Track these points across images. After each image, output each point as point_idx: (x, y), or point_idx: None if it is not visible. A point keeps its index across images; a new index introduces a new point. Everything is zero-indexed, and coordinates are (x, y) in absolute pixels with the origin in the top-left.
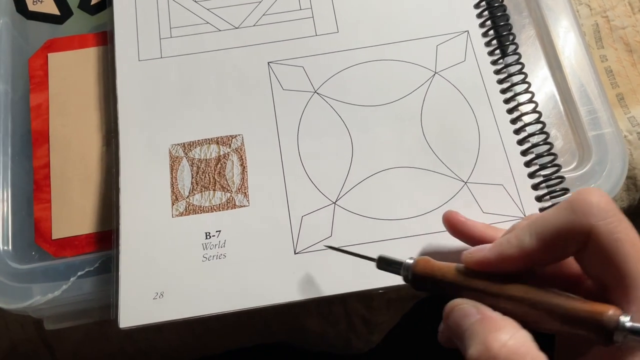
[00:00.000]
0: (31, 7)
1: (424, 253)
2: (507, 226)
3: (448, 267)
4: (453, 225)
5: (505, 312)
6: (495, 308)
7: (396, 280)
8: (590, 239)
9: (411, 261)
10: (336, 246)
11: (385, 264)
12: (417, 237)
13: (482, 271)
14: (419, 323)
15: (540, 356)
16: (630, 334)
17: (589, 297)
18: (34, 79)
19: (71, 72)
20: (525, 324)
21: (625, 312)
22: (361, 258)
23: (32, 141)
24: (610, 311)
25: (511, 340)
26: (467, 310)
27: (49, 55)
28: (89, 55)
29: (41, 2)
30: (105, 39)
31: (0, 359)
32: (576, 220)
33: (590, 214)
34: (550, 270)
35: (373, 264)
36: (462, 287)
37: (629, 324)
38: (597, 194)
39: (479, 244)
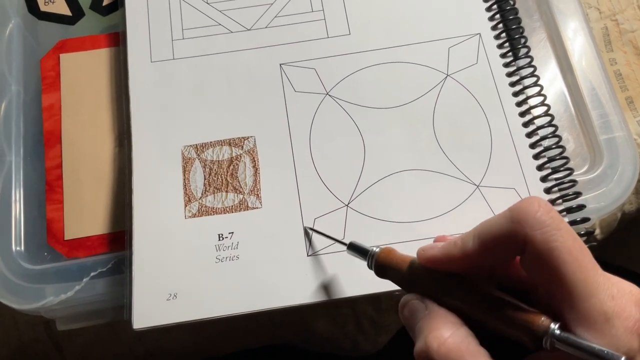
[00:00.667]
0: (43, 7)
1: None
2: None
3: (405, 260)
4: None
5: (453, 310)
6: (441, 304)
7: None
8: (527, 247)
9: (376, 250)
10: (315, 228)
11: (354, 250)
12: (429, 241)
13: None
14: None
15: (479, 351)
16: (557, 342)
17: (541, 302)
18: (46, 80)
19: (83, 73)
20: (471, 322)
21: (564, 318)
22: (335, 241)
23: (44, 142)
24: (542, 318)
25: (451, 337)
26: (417, 306)
27: (61, 55)
28: (101, 56)
29: (53, 2)
30: (116, 40)
31: (10, 359)
32: (513, 228)
33: (527, 223)
34: (513, 273)
35: None
36: (413, 281)
37: (557, 332)
38: (535, 204)
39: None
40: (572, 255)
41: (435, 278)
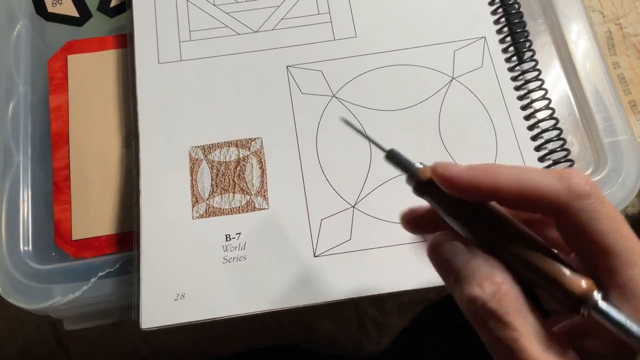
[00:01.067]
0: (50, 8)
1: None
2: None
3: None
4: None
5: (494, 254)
6: (482, 242)
7: (415, 283)
8: (570, 215)
9: (420, 166)
10: (351, 123)
11: (394, 160)
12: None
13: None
14: (428, 327)
15: (525, 301)
16: (596, 313)
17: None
18: (53, 81)
19: (91, 74)
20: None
21: (603, 283)
22: (373, 144)
23: (52, 143)
24: (587, 282)
25: (504, 284)
26: (457, 248)
27: (69, 57)
28: (109, 58)
29: (60, 4)
30: (124, 42)
31: (16, 358)
32: (561, 192)
33: (575, 191)
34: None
35: (388, 268)
36: (460, 209)
37: (600, 303)
38: (581, 176)
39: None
40: (617, 225)
41: (486, 214)
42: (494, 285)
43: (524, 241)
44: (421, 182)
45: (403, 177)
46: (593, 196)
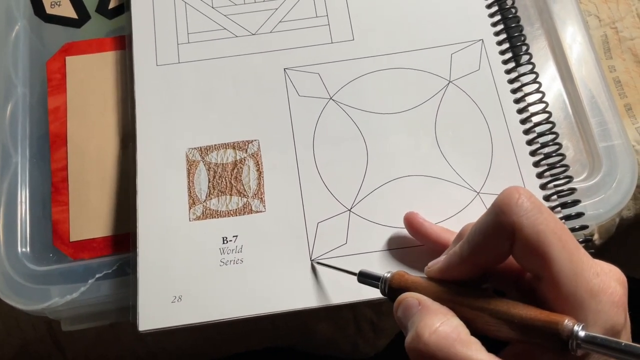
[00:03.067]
0: (49, 10)
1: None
2: None
3: (418, 280)
4: (412, 225)
5: (466, 321)
6: (458, 316)
7: None
8: (516, 234)
9: (388, 275)
10: (322, 262)
11: (365, 277)
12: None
13: (445, 280)
14: None
15: (470, 341)
16: (583, 343)
17: (529, 290)
18: (52, 82)
19: (89, 75)
20: (484, 331)
21: (551, 299)
22: (345, 273)
23: (50, 144)
24: (565, 321)
25: (442, 326)
26: (410, 302)
27: (67, 58)
28: (107, 59)
29: (59, 5)
30: (122, 44)
31: (12, 358)
32: (499, 220)
33: (511, 211)
34: (501, 270)
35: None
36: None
37: (582, 333)
38: (515, 193)
39: (434, 246)
40: (557, 236)
41: (455, 292)
42: (430, 328)
43: (495, 302)
44: (392, 289)
45: (398, 182)
46: (530, 209)
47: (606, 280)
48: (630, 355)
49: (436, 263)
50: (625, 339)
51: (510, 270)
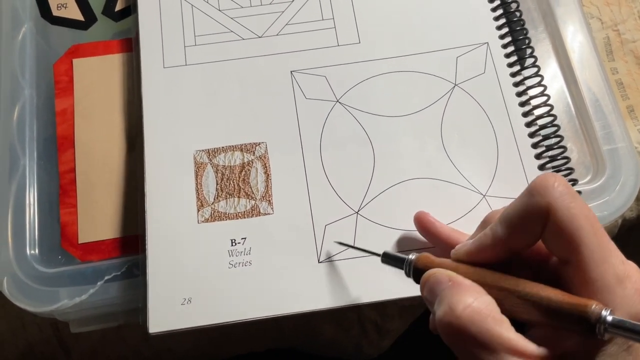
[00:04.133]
0: (55, 12)
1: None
2: None
3: (445, 261)
4: (423, 225)
5: (496, 301)
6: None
7: (418, 290)
8: (549, 217)
9: (413, 257)
10: (344, 242)
11: (390, 259)
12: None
13: (472, 264)
14: (428, 331)
15: (502, 319)
16: (610, 327)
17: (551, 278)
18: (59, 84)
19: (96, 77)
20: (511, 313)
21: (579, 284)
22: (367, 253)
23: (58, 146)
24: (593, 305)
25: (475, 302)
26: (440, 277)
27: (74, 60)
28: (114, 62)
29: (65, 7)
30: (129, 46)
31: None
32: (535, 201)
33: (547, 193)
34: (526, 257)
35: (392, 274)
36: None
37: (609, 318)
38: (552, 177)
39: (444, 246)
40: (589, 221)
41: (483, 273)
42: (464, 303)
43: (526, 286)
44: (417, 270)
45: (404, 185)
46: (566, 193)
47: (630, 268)
48: None
49: (464, 246)
50: None
51: (533, 259)
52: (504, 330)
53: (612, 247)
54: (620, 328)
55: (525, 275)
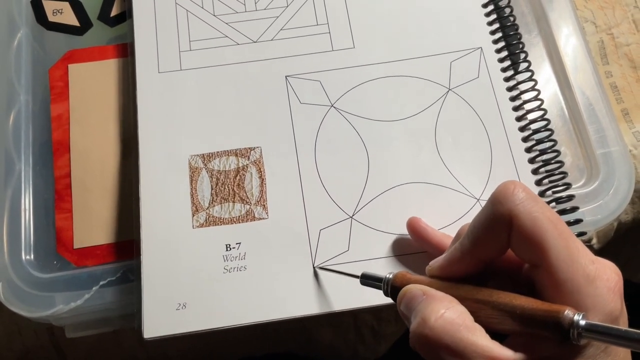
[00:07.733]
0: (51, 17)
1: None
2: None
3: (421, 278)
4: (415, 231)
5: (471, 314)
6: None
7: None
8: (513, 223)
9: (390, 275)
10: (325, 267)
11: (368, 279)
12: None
13: (447, 278)
14: None
15: (474, 327)
16: (585, 332)
17: (526, 285)
18: (54, 90)
19: (91, 83)
20: (487, 324)
21: (548, 287)
22: (348, 276)
23: (53, 151)
24: (566, 311)
25: (447, 312)
26: (415, 292)
27: (69, 66)
28: (109, 67)
29: (61, 13)
30: (124, 51)
31: None
32: (496, 210)
33: (507, 201)
34: (499, 267)
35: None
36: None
37: (582, 322)
38: (511, 184)
39: (436, 252)
40: (552, 224)
41: (458, 288)
42: (436, 313)
43: (496, 296)
44: (395, 289)
45: (399, 189)
46: (526, 198)
47: (601, 267)
48: (630, 341)
49: (437, 261)
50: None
51: (507, 267)
52: (478, 338)
53: (580, 247)
54: (594, 332)
55: (503, 284)
